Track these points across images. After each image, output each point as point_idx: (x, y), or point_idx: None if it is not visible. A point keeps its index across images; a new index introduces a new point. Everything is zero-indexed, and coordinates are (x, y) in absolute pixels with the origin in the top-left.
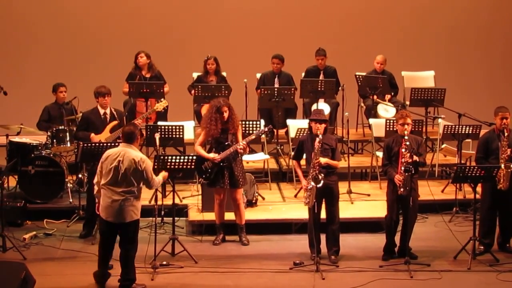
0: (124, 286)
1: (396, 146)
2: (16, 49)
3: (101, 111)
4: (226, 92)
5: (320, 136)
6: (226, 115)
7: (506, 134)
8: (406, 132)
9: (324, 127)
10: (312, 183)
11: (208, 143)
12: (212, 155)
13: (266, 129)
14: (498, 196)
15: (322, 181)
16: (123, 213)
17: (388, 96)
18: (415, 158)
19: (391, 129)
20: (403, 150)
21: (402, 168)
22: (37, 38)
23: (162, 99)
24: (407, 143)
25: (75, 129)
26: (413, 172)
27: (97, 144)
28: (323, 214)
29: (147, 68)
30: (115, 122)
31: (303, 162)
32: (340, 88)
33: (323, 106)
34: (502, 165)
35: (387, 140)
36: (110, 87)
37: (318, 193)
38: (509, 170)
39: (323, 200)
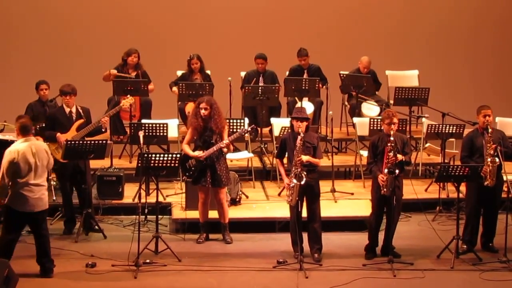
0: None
1: (382, 144)
2: None
3: (67, 110)
4: (210, 90)
5: (302, 134)
6: (205, 112)
7: (490, 131)
8: (392, 132)
9: (305, 125)
10: (295, 181)
11: (193, 141)
12: (196, 153)
13: (249, 129)
14: (483, 195)
15: (304, 179)
16: (45, 200)
17: None
18: (401, 157)
19: (375, 128)
20: (389, 150)
21: (386, 169)
22: (21, 35)
23: (129, 96)
24: (393, 144)
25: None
26: (396, 174)
27: (81, 142)
28: (304, 213)
29: (134, 67)
30: (81, 121)
31: (285, 160)
32: (325, 86)
33: (307, 105)
34: (489, 160)
35: (373, 138)
36: (93, 84)
37: (299, 191)
38: (495, 165)
39: (304, 198)
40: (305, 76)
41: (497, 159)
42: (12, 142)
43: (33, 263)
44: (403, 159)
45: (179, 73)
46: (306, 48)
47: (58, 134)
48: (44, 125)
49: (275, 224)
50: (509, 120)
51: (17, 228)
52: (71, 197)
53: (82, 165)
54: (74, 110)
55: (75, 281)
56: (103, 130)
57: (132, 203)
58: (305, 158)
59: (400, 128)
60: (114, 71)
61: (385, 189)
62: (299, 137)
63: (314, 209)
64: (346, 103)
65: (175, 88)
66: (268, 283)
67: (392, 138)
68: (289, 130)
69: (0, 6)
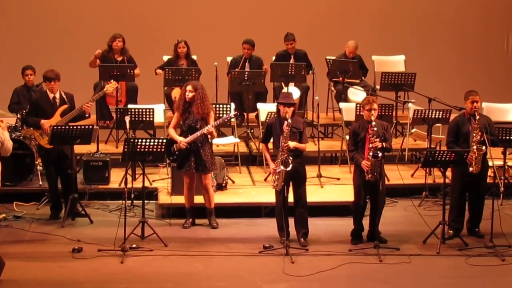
0: None
1: (363, 131)
2: None
3: (51, 96)
4: (196, 75)
5: (290, 119)
6: (189, 94)
7: (477, 117)
8: (373, 118)
9: (292, 110)
10: (282, 167)
11: (178, 126)
12: (180, 139)
13: (233, 115)
14: (468, 180)
15: (291, 165)
16: None
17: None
18: (382, 144)
19: (361, 113)
20: (371, 135)
21: (370, 153)
22: (6, 19)
23: (112, 81)
24: (375, 129)
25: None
26: (379, 158)
27: (67, 127)
28: (290, 198)
29: (119, 52)
30: (65, 106)
31: (270, 145)
32: (311, 71)
33: (293, 90)
34: (474, 147)
35: (353, 126)
36: (79, 69)
37: (286, 177)
38: (480, 153)
39: (290, 182)
40: (291, 61)
41: (483, 147)
42: None
43: (19, 247)
44: (384, 146)
45: (165, 58)
46: (293, 33)
47: (42, 121)
48: (27, 111)
49: (261, 209)
50: (496, 105)
51: None
52: (56, 182)
53: (67, 151)
54: (58, 96)
55: (62, 266)
56: (86, 115)
57: (118, 188)
58: (292, 144)
59: (386, 114)
60: (98, 51)
61: (369, 175)
62: (286, 123)
63: (300, 193)
64: (332, 88)
65: (159, 71)
66: (254, 268)
67: (374, 123)
68: (275, 115)
69: None
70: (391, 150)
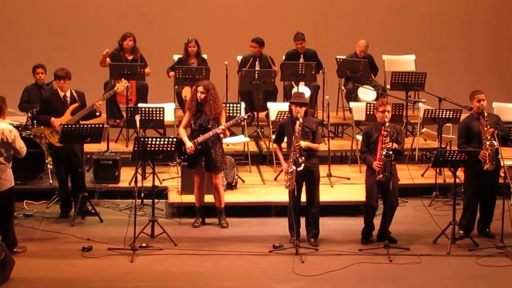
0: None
1: (376, 133)
2: None
3: (61, 94)
4: (206, 74)
5: (301, 119)
6: (201, 95)
7: (486, 115)
8: (386, 120)
9: (304, 110)
10: (293, 167)
11: (189, 125)
12: (189, 144)
13: (246, 116)
14: (481, 181)
15: (302, 165)
16: None
17: None
18: (395, 145)
19: (371, 112)
20: (383, 136)
21: (383, 152)
22: (17, 18)
23: (123, 79)
24: (388, 129)
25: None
26: (393, 157)
27: (77, 126)
28: (303, 198)
29: (130, 51)
30: (75, 105)
31: (284, 145)
32: (321, 71)
33: (304, 89)
34: (487, 143)
35: (367, 127)
36: (90, 68)
37: (299, 176)
38: (493, 149)
39: (303, 183)
40: (301, 60)
41: (495, 143)
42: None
43: (29, 246)
44: (397, 147)
45: (176, 57)
46: (303, 32)
47: (52, 119)
48: (38, 109)
49: (271, 208)
50: (506, 105)
51: None
52: (66, 181)
53: (77, 149)
54: (68, 94)
55: (71, 265)
56: (97, 114)
57: (128, 187)
58: (303, 143)
59: (397, 113)
60: (107, 50)
61: (380, 175)
62: (298, 122)
63: (313, 194)
64: (343, 87)
65: (171, 73)
66: (264, 267)
67: (387, 124)
68: (288, 115)
69: None
70: (402, 153)
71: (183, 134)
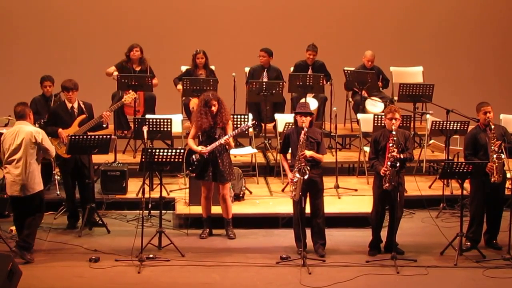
0: (21, 247)
1: (384, 140)
2: (2, 40)
3: (69, 105)
4: (214, 85)
5: (306, 128)
6: (214, 108)
7: (493, 127)
8: (394, 127)
9: (309, 120)
10: (298, 175)
11: (197, 136)
12: (200, 148)
13: (250, 124)
14: (488, 192)
15: (308, 174)
16: (27, 187)
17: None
18: (403, 155)
19: (379, 124)
20: (391, 144)
21: (389, 163)
22: (25, 30)
23: (131, 91)
24: (395, 138)
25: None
26: (399, 167)
27: (85, 137)
28: (308, 208)
29: (138, 62)
30: (83, 116)
31: (289, 156)
32: (329, 82)
33: (311, 101)
34: (494, 156)
35: (375, 134)
36: (97, 79)
37: (303, 187)
38: (501, 161)
39: (308, 194)
40: (309, 72)
41: (502, 155)
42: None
43: (37, 256)
44: (405, 156)
45: (183, 68)
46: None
47: (60, 130)
48: (46, 120)
49: (278, 220)
50: None
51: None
52: (73, 192)
53: (85, 160)
54: (76, 105)
55: (79, 276)
56: (104, 125)
57: (135, 198)
58: (308, 153)
59: (404, 125)
60: (113, 70)
61: (387, 184)
62: (302, 132)
63: (317, 204)
64: (350, 99)
65: (179, 86)
66: (271, 278)
67: (394, 133)
68: (293, 125)
69: (3, 1)
70: (412, 159)
71: (192, 144)
